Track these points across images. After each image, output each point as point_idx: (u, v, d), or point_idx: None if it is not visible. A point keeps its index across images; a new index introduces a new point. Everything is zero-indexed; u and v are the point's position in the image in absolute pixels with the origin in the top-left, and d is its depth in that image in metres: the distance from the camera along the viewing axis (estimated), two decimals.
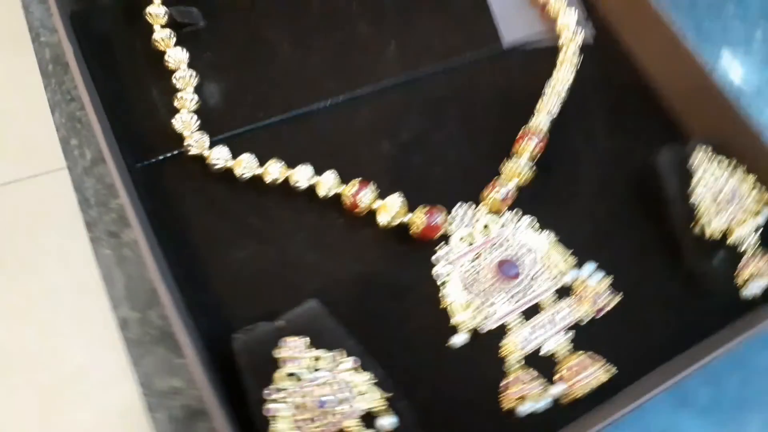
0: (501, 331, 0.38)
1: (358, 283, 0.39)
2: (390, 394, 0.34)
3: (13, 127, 0.88)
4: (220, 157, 0.40)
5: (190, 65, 0.43)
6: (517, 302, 0.39)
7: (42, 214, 0.85)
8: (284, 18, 0.46)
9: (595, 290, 0.40)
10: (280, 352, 0.34)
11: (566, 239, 0.41)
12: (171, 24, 0.43)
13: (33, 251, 0.86)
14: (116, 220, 0.39)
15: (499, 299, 0.39)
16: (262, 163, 0.41)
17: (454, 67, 0.47)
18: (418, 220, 0.40)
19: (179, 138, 0.40)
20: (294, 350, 0.34)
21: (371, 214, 0.40)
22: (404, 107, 0.45)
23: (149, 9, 0.42)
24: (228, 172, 0.40)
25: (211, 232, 0.39)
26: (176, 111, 0.41)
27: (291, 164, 0.41)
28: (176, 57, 0.42)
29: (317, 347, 0.35)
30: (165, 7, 0.43)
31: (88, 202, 0.40)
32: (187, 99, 0.41)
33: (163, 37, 0.42)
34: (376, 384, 0.34)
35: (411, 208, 0.40)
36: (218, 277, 0.38)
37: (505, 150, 0.43)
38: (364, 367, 0.35)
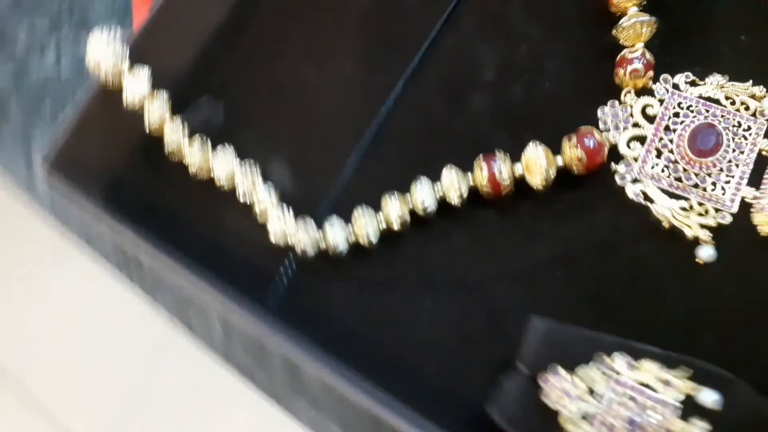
0: (745, 212, 0.31)
1: (554, 268, 0.33)
2: (689, 372, 0.28)
3: (122, 317, 0.83)
4: (339, 236, 0.34)
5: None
6: (738, 169, 0.32)
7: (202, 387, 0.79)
8: (293, 48, 0.39)
9: None
10: (549, 395, 0.29)
11: (735, 72, 0.33)
12: (193, 132, 0.37)
13: None
14: (289, 374, 0.34)
15: (717, 179, 0.32)
16: (376, 210, 0.35)
17: None
18: (575, 154, 0.33)
19: (285, 246, 0.35)
20: (561, 385, 0.29)
21: (520, 183, 0.34)
22: (467, 43, 0.38)
23: (168, 141, 0.36)
24: (355, 245, 0.34)
25: (381, 316, 0.34)
26: (262, 217, 0.35)
27: (401, 189, 0.35)
28: (225, 163, 0.36)
29: (574, 367, 0.29)
30: (180, 121, 0.36)
31: (246, 369, 0.35)
32: (264, 200, 0.35)
33: (200, 162, 0.36)
34: (667, 368, 0.28)
35: (553, 148, 0.33)
36: (420, 358, 0.33)
37: (603, 18, 0.35)
38: (638, 357, 0.29)
